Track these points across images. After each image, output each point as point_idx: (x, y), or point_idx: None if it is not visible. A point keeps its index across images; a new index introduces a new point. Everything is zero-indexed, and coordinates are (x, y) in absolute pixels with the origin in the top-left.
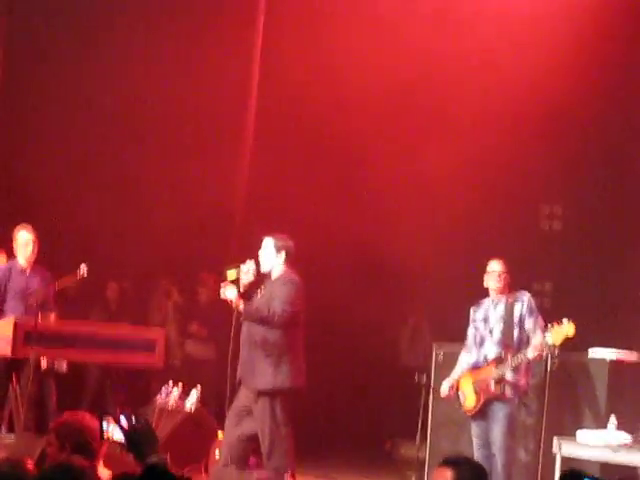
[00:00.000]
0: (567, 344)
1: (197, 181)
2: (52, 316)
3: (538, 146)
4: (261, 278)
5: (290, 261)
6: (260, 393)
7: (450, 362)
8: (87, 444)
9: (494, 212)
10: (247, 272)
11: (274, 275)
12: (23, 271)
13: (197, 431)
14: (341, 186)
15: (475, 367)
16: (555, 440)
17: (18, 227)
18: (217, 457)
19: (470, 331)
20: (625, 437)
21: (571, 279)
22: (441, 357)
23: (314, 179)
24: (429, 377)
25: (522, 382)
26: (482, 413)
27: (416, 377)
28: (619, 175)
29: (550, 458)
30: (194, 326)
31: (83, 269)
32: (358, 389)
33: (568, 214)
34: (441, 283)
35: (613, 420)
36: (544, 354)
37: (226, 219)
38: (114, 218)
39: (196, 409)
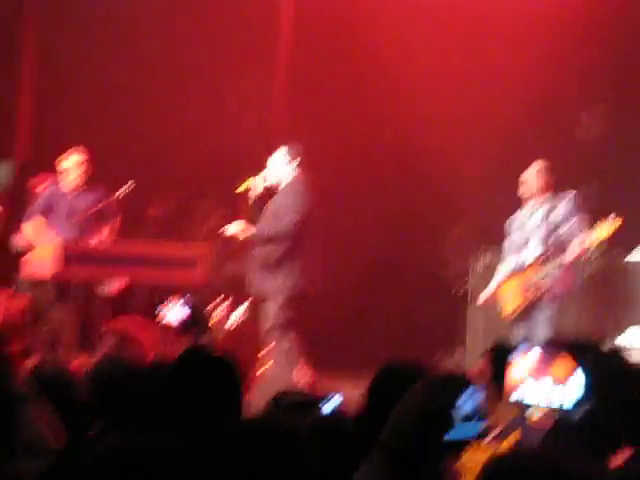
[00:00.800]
0: (609, 244)
1: (237, 105)
2: (107, 230)
3: (583, 52)
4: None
5: (302, 168)
6: (262, 299)
7: (488, 272)
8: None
9: (537, 118)
10: (259, 183)
11: (284, 184)
12: (68, 194)
13: (241, 345)
14: (380, 110)
15: (515, 272)
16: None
17: (69, 151)
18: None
19: (506, 243)
20: None
21: (615, 181)
22: (480, 265)
23: (352, 106)
24: (468, 285)
25: (563, 283)
26: (523, 317)
27: (453, 290)
28: None
29: None
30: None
31: (130, 185)
32: (400, 299)
33: (611, 115)
34: (487, 193)
35: None
36: (587, 254)
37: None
38: (157, 140)
39: (241, 323)
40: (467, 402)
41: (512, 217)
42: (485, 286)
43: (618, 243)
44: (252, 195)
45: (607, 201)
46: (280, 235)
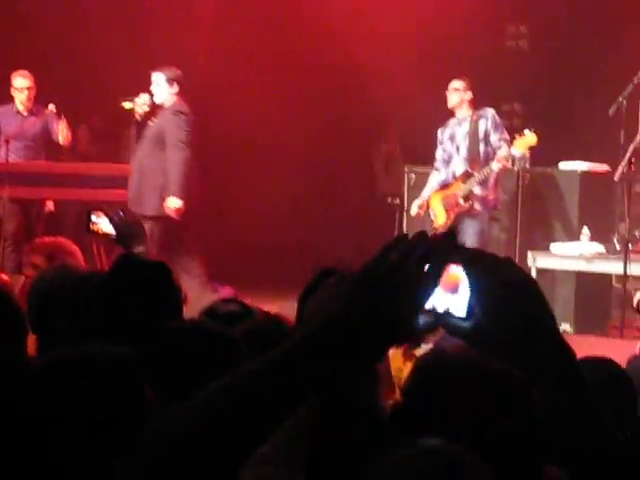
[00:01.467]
0: (537, 159)
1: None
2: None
3: None
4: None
5: (182, 91)
6: (148, 218)
7: (422, 184)
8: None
9: (460, 34)
10: (142, 104)
11: (166, 105)
12: (18, 114)
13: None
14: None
15: (444, 185)
16: (529, 254)
17: (14, 73)
18: None
19: (438, 152)
20: (598, 247)
21: (539, 98)
22: (413, 179)
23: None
24: (402, 199)
25: (491, 196)
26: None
27: (389, 200)
28: None
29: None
30: None
31: (51, 109)
32: (335, 217)
33: (534, 33)
34: (413, 109)
35: (586, 231)
36: (510, 165)
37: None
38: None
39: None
40: None
41: (443, 126)
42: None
43: (543, 157)
44: (137, 114)
45: (532, 115)
46: (176, 159)
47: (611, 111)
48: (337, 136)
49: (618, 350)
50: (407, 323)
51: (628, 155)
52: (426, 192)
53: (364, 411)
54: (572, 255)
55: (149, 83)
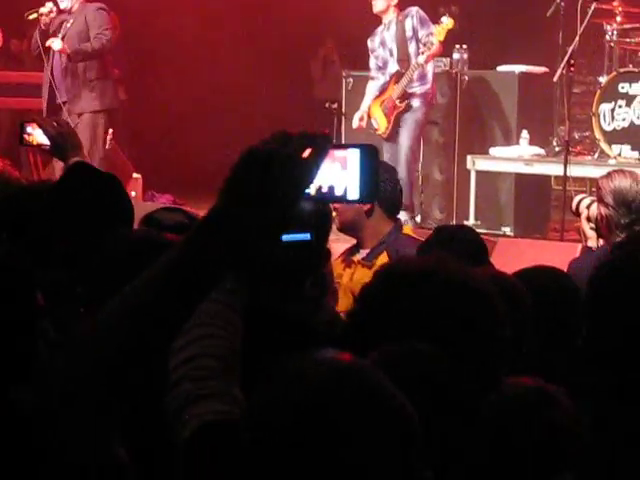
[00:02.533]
0: (475, 63)
1: None
2: None
3: None
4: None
5: None
6: (85, 115)
7: (360, 89)
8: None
9: None
10: (48, 13)
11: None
12: None
13: (113, 170)
14: None
15: (381, 91)
16: (469, 157)
17: None
18: (133, 196)
19: (371, 61)
20: (537, 150)
21: (475, 3)
22: (351, 83)
23: None
24: (340, 104)
25: (428, 90)
26: (394, 133)
27: (327, 104)
28: None
29: (465, 174)
30: None
31: None
32: (273, 122)
33: None
34: (349, 13)
35: (525, 135)
36: (438, 54)
37: None
38: None
39: (110, 149)
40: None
41: (372, 35)
42: (355, 102)
43: (482, 61)
44: (42, 23)
45: (469, 18)
46: (94, 53)
47: (549, 12)
48: (275, 41)
49: (558, 252)
50: (289, 205)
51: (567, 57)
52: (365, 102)
53: (310, 321)
54: (511, 157)
55: None
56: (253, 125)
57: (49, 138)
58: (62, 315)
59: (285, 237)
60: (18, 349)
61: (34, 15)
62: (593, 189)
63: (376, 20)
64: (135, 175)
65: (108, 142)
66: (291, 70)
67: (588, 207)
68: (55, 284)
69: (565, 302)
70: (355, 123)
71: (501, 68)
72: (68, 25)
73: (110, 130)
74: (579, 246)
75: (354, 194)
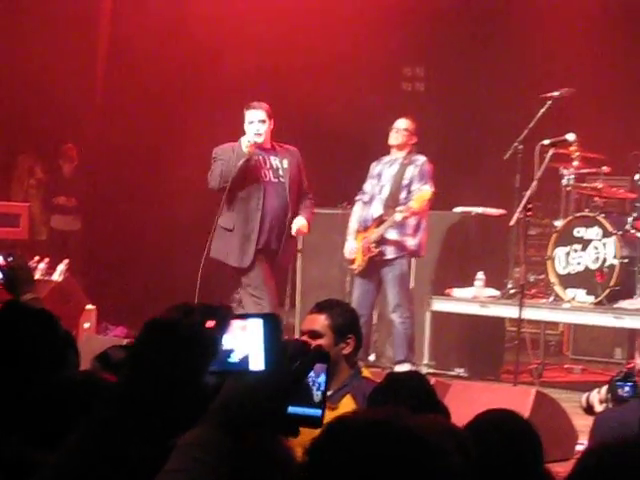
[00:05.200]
0: (434, 203)
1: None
2: None
3: (397, 7)
4: None
5: None
6: None
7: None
8: None
9: (357, 72)
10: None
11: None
12: None
13: (65, 303)
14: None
15: (365, 227)
16: (426, 298)
17: None
18: (86, 327)
19: (367, 185)
20: (492, 292)
21: (435, 142)
22: None
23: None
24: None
25: (411, 241)
26: (367, 274)
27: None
28: (483, 32)
29: (420, 314)
30: (61, 199)
31: None
32: None
33: (431, 75)
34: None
35: (480, 276)
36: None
37: (85, 91)
38: None
39: (64, 280)
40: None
41: (377, 161)
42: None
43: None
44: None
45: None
46: None
47: (507, 155)
48: None
49: (512, 396)
50: (196, 377)
51: (524, 200)
52: (352, 226)
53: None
54: (467, 299)
55: None
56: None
57: (1, 272)
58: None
59: (292, 409)
60: None
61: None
62: (603, 360)
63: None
64: (89, 307)
65: (63, 273)
66: None
67: (598, 392)
68: None
69: (523, 447)
70: (348, 254)
71: (458, 209)
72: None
73: (65, 260)
74: (533, 390)
75: (258, 364)
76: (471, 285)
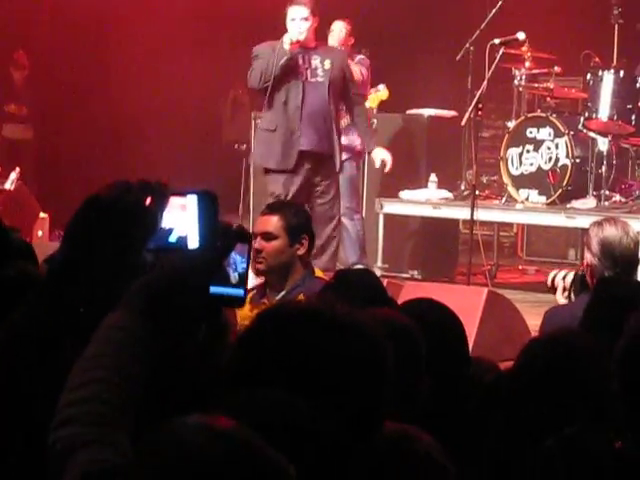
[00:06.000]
0: (385, 106)
1: None
2: None
3: None
4: None
5: None
6: None
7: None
8: None
9: None
10: None
11: None
12: None
13: (19, 210)
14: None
15: None
16: (377, 200)
17: None
18: (40, 236)
19: None
20: (445, 194)
21: (385, 45)
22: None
23: None
24: (249, 145)
25: (357, 142)
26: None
27: (236, 146)
28: None
29: (373, 217)
30: (11, 107)
31: None
32: (181, 163)
33: None
34: None
35: (433, 178)
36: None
37: None
38: None
39: (16, 188)
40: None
41: None
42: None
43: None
44: None
45: (378, 62)
46: None
47: (458, 56)
48: (185, 82)
49: (464, 296)
50: (135, 253)
51: (475, 101)
52: None
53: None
54: (419, 201)
55: None
56: (161, 167)
57: None
58: None
59: (214, 289)
60: None
61: None
62: (556, 261)
63: None
64: (42, 215)
65: (15, 181)
66: (200, 112)
67: (564, 278)
68: None
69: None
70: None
71: (410, 111)
72: None
73: (17, 169)
74: (485, 290)
75: (194, 242)
76: (424, 187)
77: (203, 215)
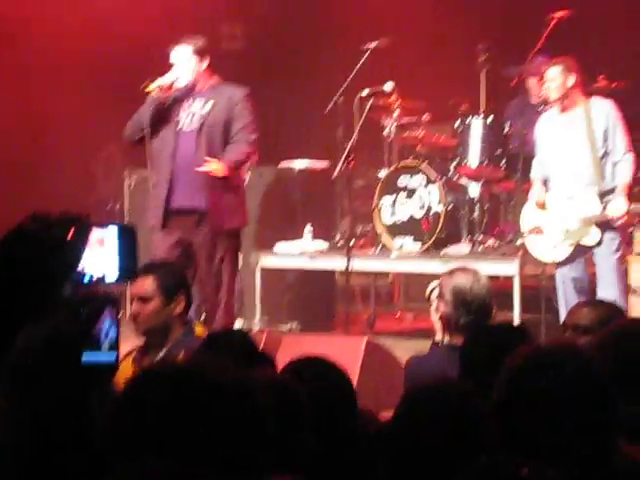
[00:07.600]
0: (259, 159)
1: None
2: None
3: None
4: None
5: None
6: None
7: (142, 187)
8: None
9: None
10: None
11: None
12: None
13: None
14: None
15: None
16: (253, 254)
17: None
18: None
19: None
20: (321, 244)
21: (258, 96)
22: (133, 183)
23: None
24: (122, 204)
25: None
26: None
27: (109, 206)
28: None
29: (250, 271)
30: None
31: None
32: None
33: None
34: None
35: (309, 228)
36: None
37: None
38: None
39: None
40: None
41: None
42: (137, 201)
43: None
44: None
45: None
46: None
47: (327, 109)
48: (56, 138)
49: (343, 347)
50: (58, 285)
51: (345, 152)
52: None
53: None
54: (295, 253)
55: None
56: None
57: None
58: None
59: (86, 357)
60: None
61: (152, 85)
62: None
63: None
64: None
65: None
66: (73, 173)
67: (438, 298)
68: None
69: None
70: None
71: (282, 165)
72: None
73: None
74: (364, 340)
75: (113, 275)
76: (300, 238)
77: (123, 247)
